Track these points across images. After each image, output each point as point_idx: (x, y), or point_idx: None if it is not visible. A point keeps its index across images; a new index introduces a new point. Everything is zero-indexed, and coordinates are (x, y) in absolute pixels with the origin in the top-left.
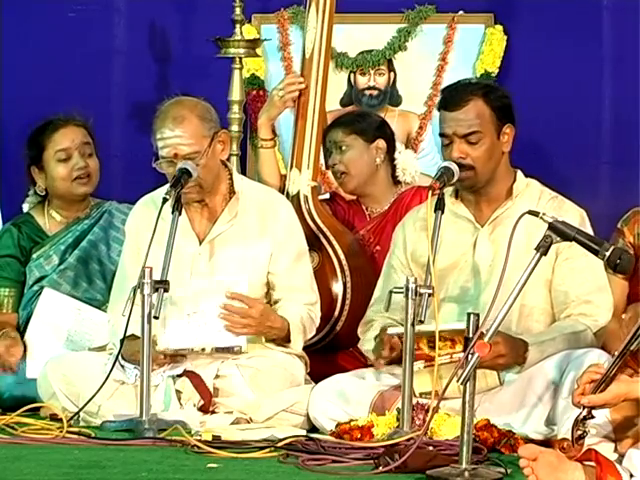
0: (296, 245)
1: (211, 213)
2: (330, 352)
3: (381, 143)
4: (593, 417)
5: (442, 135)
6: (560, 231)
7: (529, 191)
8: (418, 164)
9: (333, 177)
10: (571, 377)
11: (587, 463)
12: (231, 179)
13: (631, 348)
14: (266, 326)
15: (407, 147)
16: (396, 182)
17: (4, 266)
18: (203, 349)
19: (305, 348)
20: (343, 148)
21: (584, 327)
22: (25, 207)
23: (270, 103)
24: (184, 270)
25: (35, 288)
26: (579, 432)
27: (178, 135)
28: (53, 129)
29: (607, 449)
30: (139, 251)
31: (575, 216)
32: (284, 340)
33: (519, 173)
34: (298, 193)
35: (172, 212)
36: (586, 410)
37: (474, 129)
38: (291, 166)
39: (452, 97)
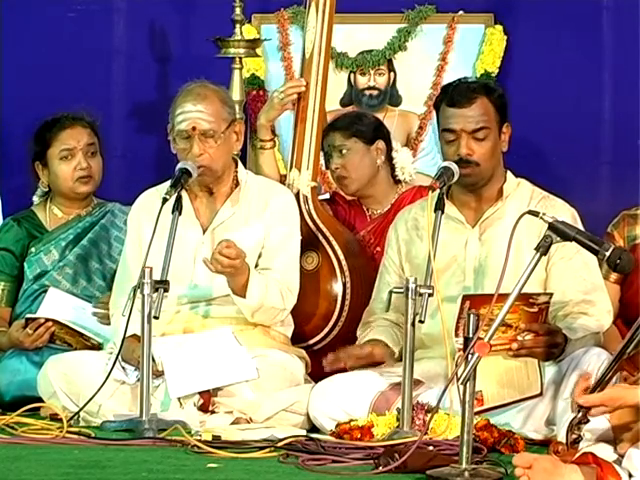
0: (286, 230)
1: (215, 203)
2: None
3: (381, 144)
4: (588, 421)
5: (447, 131)
6: (560, 231)
7: (520, 191)
8: (414, 162)
9: (334, 181)
10: (571, 377)
11: (584, 465)
12: (236, 170)
13: (627, 351)
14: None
15: (407, 147)
16: (396, 181)
17: None
18: (218, 389)
19: (305, 348)
20: (344, 152)
21: (599, 329)
22: (35, 199)
23: (269, 105)
24: (187, 258)
25: (35, 287)
26: (574, 436)
27: (200, 110)
28: (60, 127)
29: (606, 450)
30: (141, 246)
31: (566, 215)
32: (241, 290)
33: (509, 174)
34: (298, 193)
35: (172, 212)
36: (581, 414)
37: (482, 125)
38: (291, 166)
39: (459, 94)
